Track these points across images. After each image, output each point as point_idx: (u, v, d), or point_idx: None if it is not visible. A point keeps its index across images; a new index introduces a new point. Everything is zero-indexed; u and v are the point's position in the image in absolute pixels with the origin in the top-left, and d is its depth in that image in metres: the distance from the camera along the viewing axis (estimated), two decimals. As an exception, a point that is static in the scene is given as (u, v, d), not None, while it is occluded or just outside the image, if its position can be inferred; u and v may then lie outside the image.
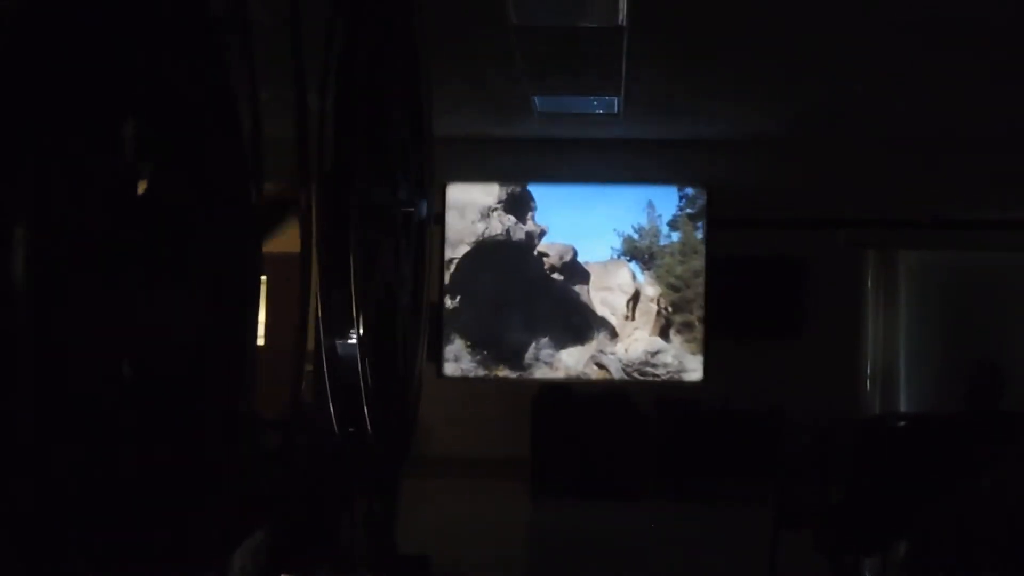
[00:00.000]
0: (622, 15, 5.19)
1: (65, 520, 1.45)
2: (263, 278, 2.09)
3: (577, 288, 8.88)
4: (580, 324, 8.84)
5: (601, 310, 8.85)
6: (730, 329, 8.69)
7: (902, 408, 8.89)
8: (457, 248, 8.92)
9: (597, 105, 7.36)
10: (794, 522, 5.09)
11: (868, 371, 9.01)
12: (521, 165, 8.87)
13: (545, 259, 8.92)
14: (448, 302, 8.88)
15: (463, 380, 8.81)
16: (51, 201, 1.40)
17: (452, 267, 8.91)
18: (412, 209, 3.79)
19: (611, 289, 8.86)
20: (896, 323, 9.03)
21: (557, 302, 8.87)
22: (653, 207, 8.85)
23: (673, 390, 8.61)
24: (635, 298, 8.83)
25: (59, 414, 1.43)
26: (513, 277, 8.90)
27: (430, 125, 4.04)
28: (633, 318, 8.83)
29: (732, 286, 8.70)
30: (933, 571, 4.33)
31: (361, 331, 2.97)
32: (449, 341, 8.83)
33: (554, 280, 8.89)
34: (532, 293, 8.89)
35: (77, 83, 1.47)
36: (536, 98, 7.13)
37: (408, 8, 3.75)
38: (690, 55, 6.16)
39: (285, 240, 2.49)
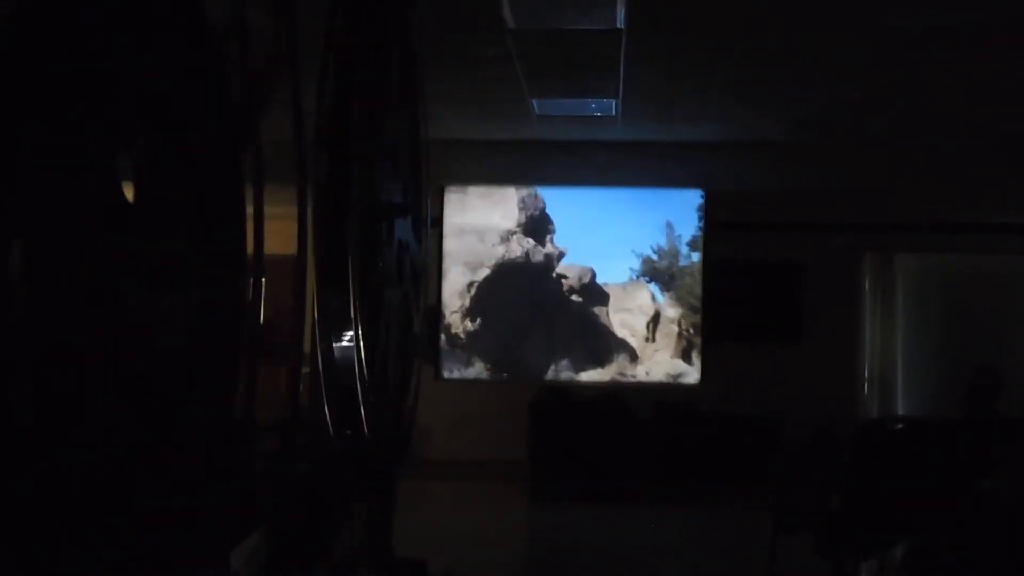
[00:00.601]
0: (620, 18, 5.19)
1: (64, 520, 1.45)
2: (263, 280, 2.08)
3: (596, 310, 8.82)
4: (599, 346, 8.79)
5: (621, 332, 8.79)
6: (728, 332, 8.68)
7: (899, 411, 8.90)
8: (477, 271, 8.89)
9: (595, 108, 7.35)
10: (793, 525, 5.08)
11: (866, 374, 9.02)
12: (519, 167, 8.86)
13: (564, 281, 8.88)
14: (468, 325, 8.85)
15: (461, 383, 8.80)
16: (47, 204, 1.40)
17: (472, 290, 8.87)
18: (410, 211, 3.78)
19: (631, 311, 8.79)
20: (894, 326, 9.04)
21: (576, 324, 8.81)
22: (672, 227, 8.81)
23: (671, 393, 8.60)
24: (655, 319, 8.76)
25: (56, 416, 1.43)
26: (532, 300, 8.86)
27: (426, 127, 4.04)
28: (654, 340, 8.77)
29: (730, 289, 8.70)
30: (931, 573, 4.33)
31: (358, 333, 2.97)
32: (469, 364, 8.81)
33: (573, 302, 8.85)
34: (551, 315, 8.84)
35: (74, 86, 1.47)
36: (534, 101, 7.13)
37: (405, 10, 3.75)
38: (688, 58, 6.16)
39: (285, 241, 2.48)
